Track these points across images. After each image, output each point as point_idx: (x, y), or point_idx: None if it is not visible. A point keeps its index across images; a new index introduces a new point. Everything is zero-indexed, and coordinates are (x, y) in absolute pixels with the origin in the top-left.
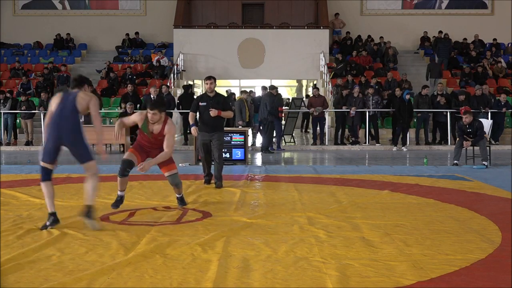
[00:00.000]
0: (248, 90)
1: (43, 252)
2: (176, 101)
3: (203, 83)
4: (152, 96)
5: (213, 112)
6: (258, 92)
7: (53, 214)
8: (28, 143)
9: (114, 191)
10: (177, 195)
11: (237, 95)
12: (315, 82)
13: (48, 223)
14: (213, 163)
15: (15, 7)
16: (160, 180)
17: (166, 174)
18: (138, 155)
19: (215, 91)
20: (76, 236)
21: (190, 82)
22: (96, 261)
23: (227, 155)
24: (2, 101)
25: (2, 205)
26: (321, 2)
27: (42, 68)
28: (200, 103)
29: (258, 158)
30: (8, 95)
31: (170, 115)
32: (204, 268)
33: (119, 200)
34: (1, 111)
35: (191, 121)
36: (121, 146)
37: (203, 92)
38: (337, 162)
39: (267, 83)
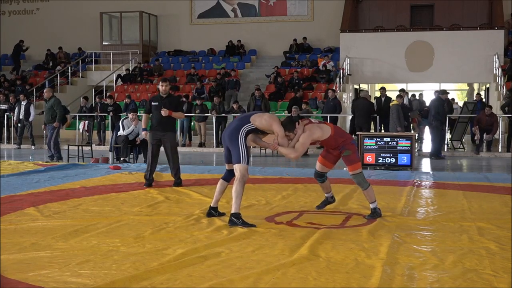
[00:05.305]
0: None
1: (213, 249)
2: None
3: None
4: None
5: (164, 112)
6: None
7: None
8: (201, 145)
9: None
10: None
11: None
12: (487, 86)
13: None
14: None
15: (192, 17)
16: None
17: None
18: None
19: (169, 92)
20: (244, 235)
21: (356, 86)
22: (262, 260)
23: (393, 160)
24: None
25: (177, 202)
26: (495, 1)
27: (215, 74)
28: (152, 103)
29: (425, 164)
30: (184, 99)
31: (336, 119)
32: (368, 274)
33: (324, 202)
34: None
35: (143, 125)
36: None
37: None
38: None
39: (435, 86)
